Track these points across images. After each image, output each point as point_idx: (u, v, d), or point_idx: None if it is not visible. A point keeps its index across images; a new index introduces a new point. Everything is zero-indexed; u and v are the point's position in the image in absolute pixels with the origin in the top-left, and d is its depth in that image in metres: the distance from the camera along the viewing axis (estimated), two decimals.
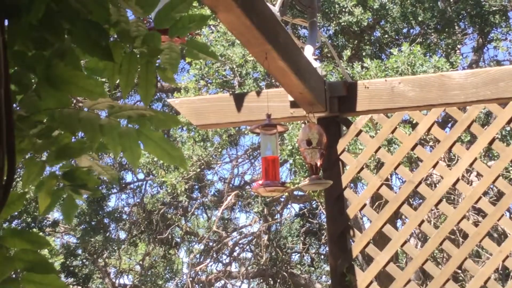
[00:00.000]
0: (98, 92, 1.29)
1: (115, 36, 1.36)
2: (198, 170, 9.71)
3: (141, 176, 12.50)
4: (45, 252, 10.74)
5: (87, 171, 1.40)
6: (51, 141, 1.31)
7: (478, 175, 8.22)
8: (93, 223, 12.23)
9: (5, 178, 1.16)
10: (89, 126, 1.27)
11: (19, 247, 1.29)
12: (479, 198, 3.81)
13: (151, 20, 1.68)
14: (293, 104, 3.95)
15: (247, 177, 11.84)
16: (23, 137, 1.29)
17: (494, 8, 9.43)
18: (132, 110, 1.31)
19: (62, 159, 1.35)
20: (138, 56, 1.37)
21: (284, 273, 11.72)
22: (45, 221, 12.52)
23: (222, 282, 12.17)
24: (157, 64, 1.41)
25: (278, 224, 11.93)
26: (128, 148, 1.33)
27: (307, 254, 13.14)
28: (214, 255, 12.03)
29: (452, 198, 8.81)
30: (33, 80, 1.28)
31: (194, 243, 13.43)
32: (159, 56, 1.40)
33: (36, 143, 1.31)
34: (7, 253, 1.28)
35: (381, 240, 7.10)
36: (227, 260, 12.24)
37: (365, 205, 4.02)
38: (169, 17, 1.40)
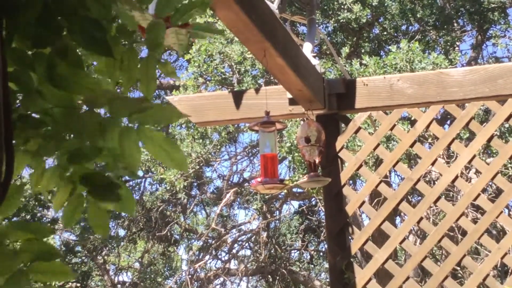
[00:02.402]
0: (99, 90, 1.29)
1: (114, 32, 1.35)
2: (197, 167, 9.71)
3: (140, 173, 12.51)
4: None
5: (104, 174, 1.33)
6: (58, 142, 1.29)
7: (477, 172, 8.23)
8: None
9: (3, 176, 1.16)
10: (89, 125, 1.26)
11: (23, 239, 1.28)
12: (478, 195, 3.82)
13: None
14: (292, 102, 3.94)
15: (246, 174, 11.86)
16: (27, 138, 1.27)
17: (493, 5, 9.42)
18: (132, 102, 1.30)
19: (75, 162, 1.31)
20: (138, 51, 1.37)
21: (283, 270, 11.72)
22: (44, 218, 12.53)
23: (221, 279, 12.19)
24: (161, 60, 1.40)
25: (277, 221, 11.94)
26: (127, 149, 1.30)
27: (306, 251, 13.15)
28: (213, 252, 12.04)
29: (451, 195, 8.82)
30: (34, 79, 1.28)
31: (193, 240, 13.44)
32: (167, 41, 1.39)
33: (42, 144, 1.29)
34: (13, 247, 1.27)
35: (380, 237, 7.11)
36: (226, 257, 12.24)
37: (364, 202, 4.02)
38: (170, 4, 1.39)
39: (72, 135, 1.29)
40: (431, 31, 9.44)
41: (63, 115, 1.27)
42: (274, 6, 3.67)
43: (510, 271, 8.95)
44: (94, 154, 1.29)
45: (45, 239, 1.29)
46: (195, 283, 11.88)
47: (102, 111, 1.32)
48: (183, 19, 1.41)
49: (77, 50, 1.28)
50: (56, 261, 1.28)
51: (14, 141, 1.17)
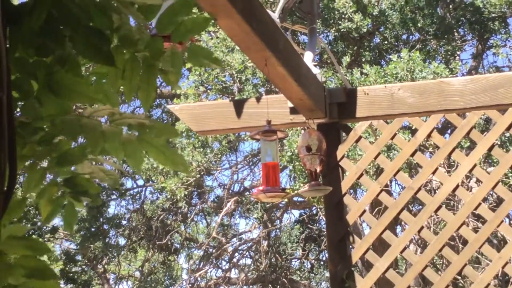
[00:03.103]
0: (98, 99, 1.30)
1: (117, 41, 1.36)
2: (198, 176, 9.71)
3: (140, 182, 12.51)
4: (44, 258, 10.73)
5: (87, 178, 1.39)
6: (51, 147, 1.31)
7: (478, 181, 8.22)
8: (92, 229, 12.22)
9: (6, 184, 1.16)
10: (91, 132, 1.27)
11: (20, 254, 1.28)
12: (479, 204, 3.82)
13: (151, 27, 1.68)
14: (293, 111, 3.95)
15: (247, 183, 11.85)
16: (24, 144, 1.28)
17: (493, 15, 9.44)
18: (132, 118, 1.32)
19: (63, 165, 1.35)
20: (140, 60, 1.37)
21: (284, 279, 11.70)
22: (45, 227, 12.52)
23: None
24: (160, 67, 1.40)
25: (277, 230, 11.93)
26: (131, 153, 1.32)
27: (306, 260, 13.12)
28: (214, 261, 12.02)
29: (451, 204, 8.81)
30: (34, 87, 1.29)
31: (193, 249, 13.43)
32: (161, 63, 1.40)
33: (37, 150, 1.30)
34: (8, 260, 1.27)
35: (380, 246, 7.10)
36: (227, 266, 12.23)
37: (364, 211, 4.02)
38: (171, 21, 1.39)
39: (59, 139, 1.32)
40: (432, 40, 9.45)
41: (65, 123, 1.27)
42: (275, 15, 3.68)
43: (511, 280, 8.94)
44: (81, 158, 1.33)
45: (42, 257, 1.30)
46: None
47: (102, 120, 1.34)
48: (183, 36, 1.42)
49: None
50: (51, 281, 1.28)
51: None
